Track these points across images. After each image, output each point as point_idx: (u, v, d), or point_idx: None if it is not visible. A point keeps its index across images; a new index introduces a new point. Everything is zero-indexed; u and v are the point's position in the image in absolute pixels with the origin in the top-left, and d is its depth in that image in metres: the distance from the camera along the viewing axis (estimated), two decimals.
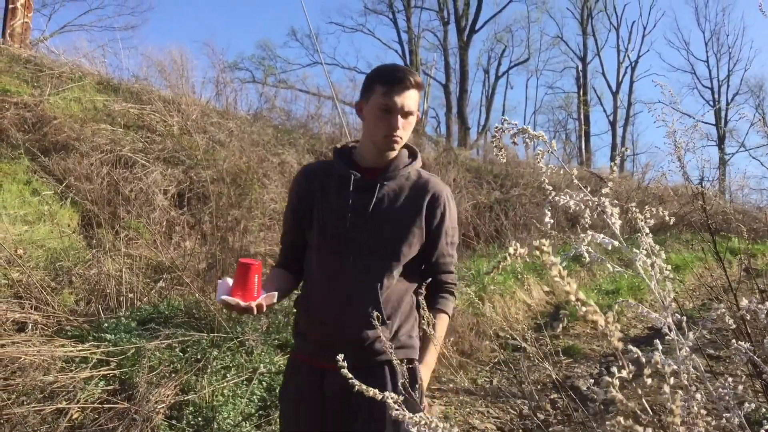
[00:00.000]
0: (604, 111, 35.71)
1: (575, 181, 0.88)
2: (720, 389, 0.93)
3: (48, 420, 3.14)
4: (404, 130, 2.03)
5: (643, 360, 0.73)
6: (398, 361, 1.96)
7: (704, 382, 0.92)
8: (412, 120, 2.05)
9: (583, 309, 0.71)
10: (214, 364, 3.76)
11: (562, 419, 4.34)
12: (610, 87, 35.35)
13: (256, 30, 58.26)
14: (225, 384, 3.68)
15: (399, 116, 1.99)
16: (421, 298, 1.98)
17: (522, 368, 4.87)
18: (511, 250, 0.75)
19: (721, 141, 32.96)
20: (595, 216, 0.87)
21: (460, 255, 9.07)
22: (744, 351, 0.98)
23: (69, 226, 6.09)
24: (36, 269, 4.63)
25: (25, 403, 3.16)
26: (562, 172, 0.89)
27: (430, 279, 2.07)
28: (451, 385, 4.89)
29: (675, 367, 0.74)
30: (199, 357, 3.80)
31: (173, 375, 3.62)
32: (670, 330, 0.78)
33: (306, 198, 2.11)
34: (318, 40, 22.95)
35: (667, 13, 77.06)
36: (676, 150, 1.88)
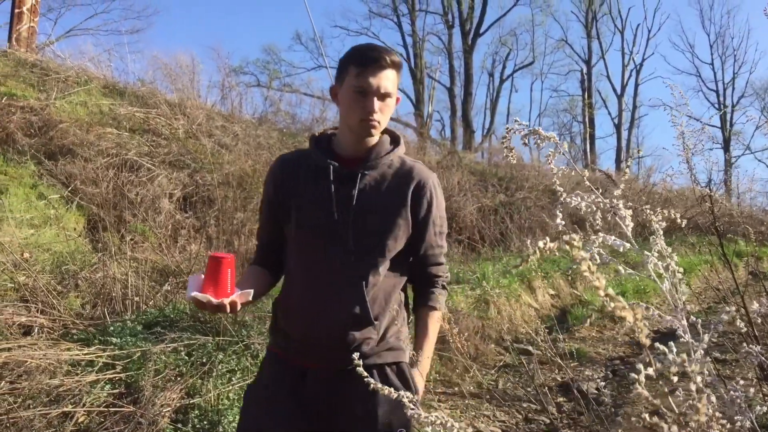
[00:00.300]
0: (609, 114, 35.73)
1: (587, 182, 0.88)
2: (731, 392, 0.93)
3: (54, 423, 3.14)
4: (382, 114, 1.88)
5: (671, 358, 0.72)
6: (391, 364, 1.89)
7: (715, 385, 0.92)
8: (391, 103, 1.91)
9: (612, 305, 0.71)
10: (220, 367, 3.76)
11: (568, 423, 4.32)
12: (614, 90, 35.36)
13: (260, 34, 58.47)
14: (230, 387, 3.68)
15: (375, 98, 1.84)
16: (410, 291, 1.93)
17: (531, 370, 4.86)
18: (540, 244, 0.74)
19: (726, 144, 32.89)
20: (607, 218, 0.87)
21: (466, 258, 9.06)
22: (755, 354, 0.97)
23: (75, 229, 6.10)
24: (42, 273, 4.64)
25: (31, 406, 3.16)
26: (573, 173, 0.89)
27: (419, 273, 2.00)
28: (456, 389, 4.88)
29: (689, 368, 0.73)
30: (204, 360, 3.79)
31: (179, 378, 3.62)
32: (684, 333, 0.77)
33: (282, 189, 1.97)
34: (322, 43, 23.01)
35: (672, 16, 77.04)
36: (685, 152, 1.88)
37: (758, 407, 0.98)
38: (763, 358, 1.03)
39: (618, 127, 34.91)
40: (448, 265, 7.56)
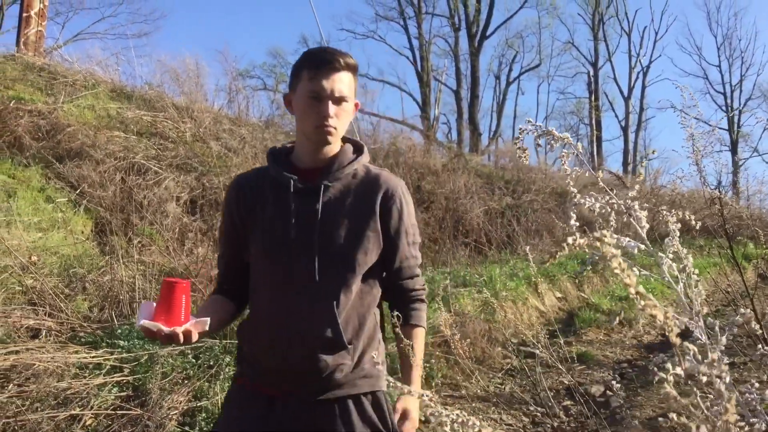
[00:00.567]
0: (616, 116, 35.62)
1: (601, 183, 0.87)
2: (747, 394, 0.92)
3: (62, 426, 3.14)
4: (338, 119, 1.76)
5: (698, 359, 0.72)
6: (367, 394, 1.74)
7: (730, 388, 0.91)
8: (348, 107, 1.79)
9: (642, 303, 0.70)
10: (227, 370, 3.75)
11: (576, 426, 4.30)
12: (621, 92, 35.28)
13: (267, 37, 58.62)
14: None
15: (330, 102, 1.72)
16: (388, 308, 1.80)
17: (537, 373, 4.84)
18: (570, 240, 0.73)
19: (734, 146, 32.78)
20: (619, 219, 0.86)
21: (472, 261, 9.05)
22: None
23: (83, 233, 6.12)
24: (50, 276, 4.65)
25: (39, 409, 3.16)
26: (586, 174, 0.88)
27: (394, 287, 1.86)
28: (463, 392, 4.87)
29: (714, 368, 0.72)
30: (211, 363, 3.79)
31: (186, 381, 3.62)
32: (702, 334, 0.77)
33: (241, 211, 1.84)
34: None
35: (679, 18, 76.92)
36: (695, 154, 1.86)
37: None
38: None
39: (625, 129, 34.84)
40: (455, 267, 7.51)
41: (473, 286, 6.83)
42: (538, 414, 4.51)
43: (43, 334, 3.88)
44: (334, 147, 1.82)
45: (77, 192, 6.61)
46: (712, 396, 0.75)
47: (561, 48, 35.62)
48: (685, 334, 0.87)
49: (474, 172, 13.10)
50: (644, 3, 56.96)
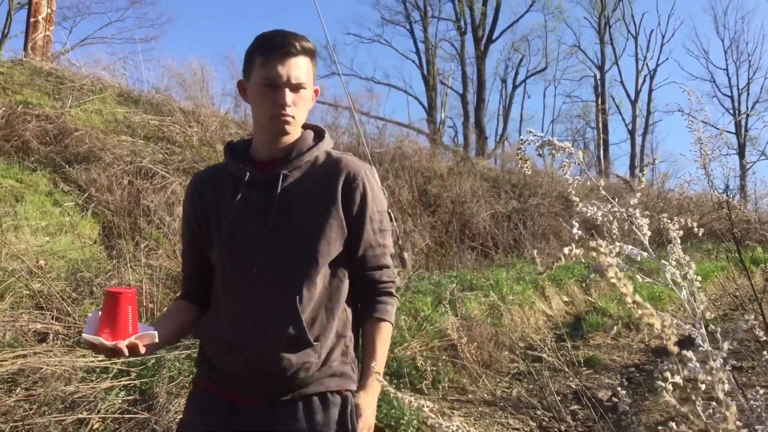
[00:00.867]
0: (623, 120, 35.47)
1: (602, 191, 0.87)
2: (752, 401, 0.91)
3: (69, 430, 3.15)
4: (296, 107, 1.64)
5: (697, 366, 0.72)
6: (334, 392, 1.63)
7: (734, 393, 0.91)
8: (306, 95, 1.67)
9: (639, 312, 0.70)
10: None
11: (583, 430, 4.29)
12: (628, 96, 35.16)
13: None
14: None
15: (286, 90, 1.61)
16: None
17: (544, 378, 4.83)
18: (566, 250, 0.73)
19: (741, 149, 32.66)
20: (623, 226, 0.86)
21: (479, 265, 9.04)
22: None
23: (90, 237, 6.14)
24: (57, 280, 4.67)
25: (46, 413, 3.17)
26: (589, 183, 0.88)
27: (360, 278, 1.72)
28: (470, 396, 4.86)
29: (708, 378, 0.72)
30: None
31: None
32: (704, 341, 0.77)
33: (200, 210, 1.74)
34: (335, 51, 23.00)
35: (686, 22, 76.44)
36: (702, 158, 1.86)
37: None
38: None
39: (632, 132, 34.73)
40: (462, 271, 7.50)
41: (480, 289, 6.82)
42: (546, 418, 4.49)
43: (51, 338, 3.90)
44: (292, 136, 1.71)
45: (85, 196, 6.64)
46: (714, 404, 0.75)
47: (567, 51, 35.51)
48: (689, 341, 0.87)
49: (480, 175, 13.10)
50: (651, 6, 57.01)
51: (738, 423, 0.72)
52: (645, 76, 35.32)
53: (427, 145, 15.01)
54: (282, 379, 1.59)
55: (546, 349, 5.18)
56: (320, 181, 1.67)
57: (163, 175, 7.44)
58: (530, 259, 9.69)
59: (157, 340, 1.52)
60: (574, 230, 0.82)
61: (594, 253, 0.69)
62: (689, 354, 0.72)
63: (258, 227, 1.63)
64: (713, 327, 0.81)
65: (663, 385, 0.70)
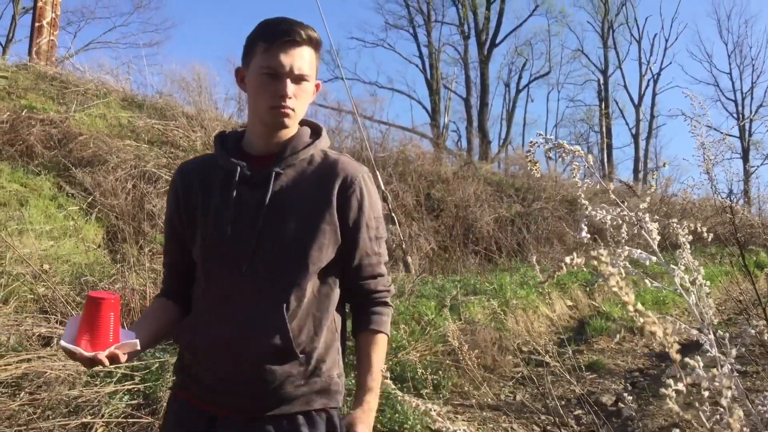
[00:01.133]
0: (627, 124, 35.46)
1: (612, 195, 0.87)
2: (759, 406, 0.91)
3: None
4: (297, 99, 1.55)
5: (699, 372, 0.71)
6: (320, 411, 1.54)
7: (742, 398, 0.90)
8: (308, 87, 1.58)
9: (641, 320, 0.69)
10: None
11: None
12: (632, 100, 35.14)
13: None
14: None
15: (288, 80, 1.51)
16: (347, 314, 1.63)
17: (547, 382, 4.82)
18: (567, 260, 0.73)
19: (745, 153, 32.61)
20: (630, 230, 0.86)
21: (482, 269, 9.03)
22: None
23: (94, 241, 6.15)
24: (61, 284, 4.68)
25: (50, 417, 3.17)
26: (598, 186, 0.88)
27: (354, 288, 1.64)
28: (473, 401, 4.85)
29: (716, 383, 0.72)
30: None
31: None
32: (711, 347, 0.76)
33: (184, 203, 1.63)
34: (338, 55, 23.04)
35: (690, 26, 76.70)
36: (706, 163, 1.85)
37: None
38: None
39: (635, 137, 34.69)
40: (465, 275, 7.49)
41: (483, 294, 6.81)
42: (549, 423, 4.48)
43: (55, 342, 3.90)
44: (290, 131, 1.61)
45: (89, 200, 6.66)
46: (721, 410, 0.74)
47: (570, 55, 35.51)
48: (696, 346, 0.87)
49: (484, 179, 13.09)
50: (654, 10, 56.96)
51: (746, 430, 0.72)
52: (648, 80, 35.32)
53: (431, 149, 15.00)
54: (264, 392, 1.50)
55: (548, 354, 5.17)
56: (315, 182, 1.59)
57: (167, 180, 7.45)
58: (532, 265, 9.67)
59: (138, 347, 1.43)
60: (583, 233, 0.82)
61: (595, 262, 0.69)
62: (692, 362, 0.72)
63: (244, 228, 1.54)
64: (721, 333, 0.81)
65: (666, 392, 0.70)
